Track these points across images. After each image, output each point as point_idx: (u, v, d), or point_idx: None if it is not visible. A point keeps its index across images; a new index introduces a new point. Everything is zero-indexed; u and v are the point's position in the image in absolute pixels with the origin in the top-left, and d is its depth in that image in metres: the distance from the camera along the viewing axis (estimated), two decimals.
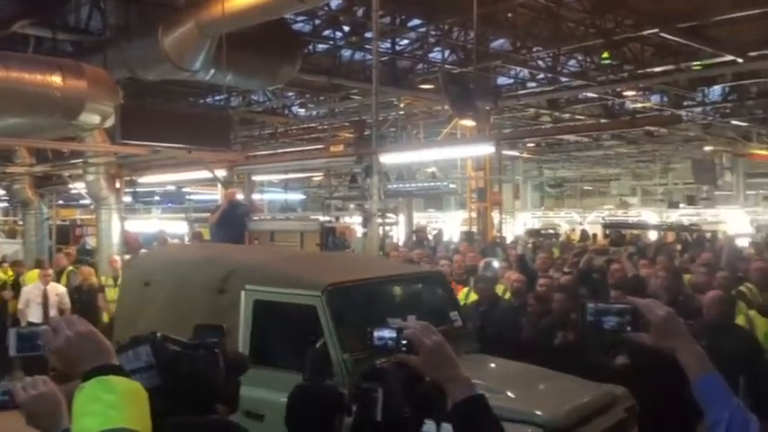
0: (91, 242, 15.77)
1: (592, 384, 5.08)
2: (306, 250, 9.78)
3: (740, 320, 5.93)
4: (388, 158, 10.64)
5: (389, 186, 18.89)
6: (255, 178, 13.40)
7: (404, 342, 1.62)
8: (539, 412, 4.44)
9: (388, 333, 1.63)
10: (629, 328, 1.70)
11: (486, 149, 12.49)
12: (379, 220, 9.99)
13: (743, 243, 16.04)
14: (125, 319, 6.17)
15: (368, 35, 13.18)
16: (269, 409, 4.40)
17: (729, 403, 1.62)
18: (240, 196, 11.60)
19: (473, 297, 7.16)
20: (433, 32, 14.75)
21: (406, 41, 15.48)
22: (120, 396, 1.39)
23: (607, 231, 22.41)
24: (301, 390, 2.29)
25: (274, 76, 12.45)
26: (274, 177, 17.79)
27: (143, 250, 11.87)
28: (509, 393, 4.59)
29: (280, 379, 4.21)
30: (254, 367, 1.80)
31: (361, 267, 6.54)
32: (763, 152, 22.93)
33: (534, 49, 14.94)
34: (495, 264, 9.26)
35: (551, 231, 27.44)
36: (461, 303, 6.68)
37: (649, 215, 29.02)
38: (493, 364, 5.46)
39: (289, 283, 5.29)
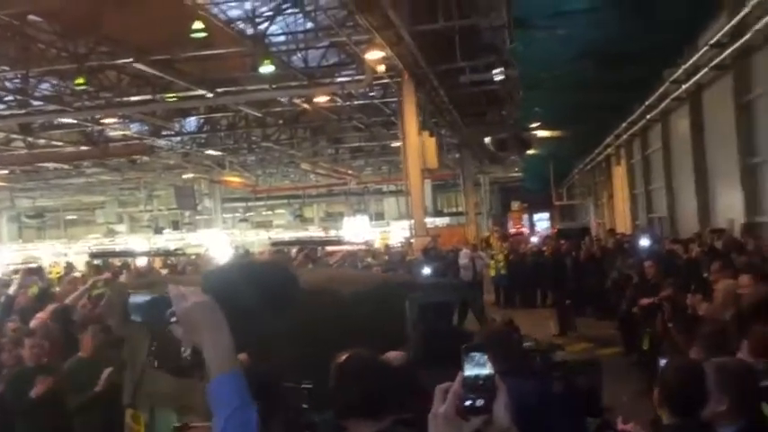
0: None
1: None
2: None
3: None
4: None
5: None
6: None
7: None
8: None
9: None
10: (173, 319, 1.53)
11: None
12: None
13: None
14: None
15: None
16: None
17: (230, 407, 1.45)
18: None
19: None
20: None
21: None
22: None
23: (95, 261, 21.72)
24: None
25: None
26: None
27: None
28: None
29: None
30: None
31: None
32: (236, 179, 25.35)
33: (0, 69, 13.61)
34: None
35: (34, 266, 25.36)
36: None
37: (138, 241, 29.20)
38: None
39: None
